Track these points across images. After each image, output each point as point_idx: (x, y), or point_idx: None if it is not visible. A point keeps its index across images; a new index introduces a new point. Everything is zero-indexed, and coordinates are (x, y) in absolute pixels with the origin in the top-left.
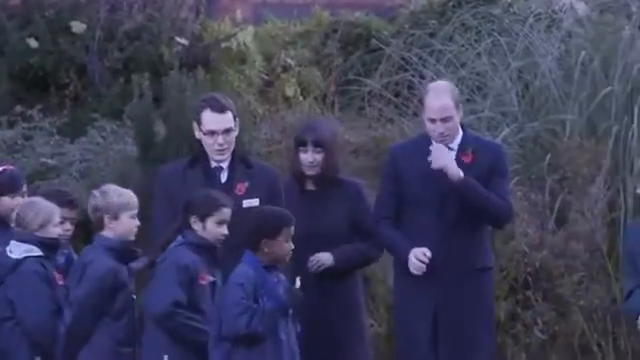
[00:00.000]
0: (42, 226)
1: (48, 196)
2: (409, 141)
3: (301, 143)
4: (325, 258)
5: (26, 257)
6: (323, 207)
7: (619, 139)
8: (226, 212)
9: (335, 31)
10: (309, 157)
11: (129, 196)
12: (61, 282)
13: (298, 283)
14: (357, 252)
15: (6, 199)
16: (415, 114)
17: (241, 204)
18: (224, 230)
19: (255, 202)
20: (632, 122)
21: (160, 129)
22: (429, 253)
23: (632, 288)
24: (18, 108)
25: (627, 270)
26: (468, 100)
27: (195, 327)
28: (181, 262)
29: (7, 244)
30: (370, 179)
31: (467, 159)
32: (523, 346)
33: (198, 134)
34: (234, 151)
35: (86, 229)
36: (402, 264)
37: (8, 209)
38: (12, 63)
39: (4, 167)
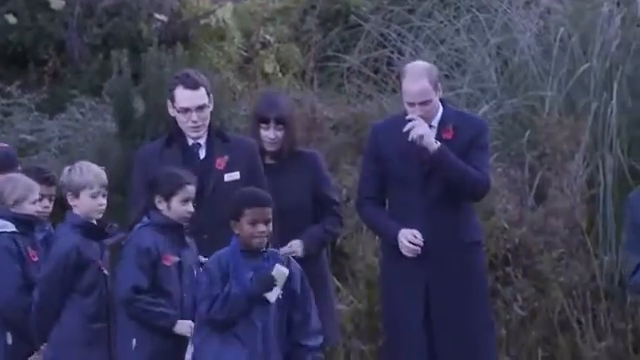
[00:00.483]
0: (17, 202)
1: (27, 173)
2: (390, 119)
3: (263, 120)
4: (296, 245)
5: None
6: (285, 180)
7: (598, 115)
8: (190, 190)
9: (314, 7)
10: (270, 134)
11: (93, 175)
12: (35, 259)
13: (202, 259)
14: (325, 233)
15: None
16: (394, 90)
17: (222, 178)
18: (189, 208)
19: (236, 175)
20: (611, 98)
21: (139, 105)
22: (419, 235)
23: (639, 262)
24: None
25: (633, 242)
26: (447, 76)
27: (157, 312)
28: (142, 245)
29: None
30: (349, 156)
31: (448, 135)
32: (503, 322)
33: (172, 111)
34: (210, 126)
35: (64, 206)
36: (390, 245)
37: None
38: None
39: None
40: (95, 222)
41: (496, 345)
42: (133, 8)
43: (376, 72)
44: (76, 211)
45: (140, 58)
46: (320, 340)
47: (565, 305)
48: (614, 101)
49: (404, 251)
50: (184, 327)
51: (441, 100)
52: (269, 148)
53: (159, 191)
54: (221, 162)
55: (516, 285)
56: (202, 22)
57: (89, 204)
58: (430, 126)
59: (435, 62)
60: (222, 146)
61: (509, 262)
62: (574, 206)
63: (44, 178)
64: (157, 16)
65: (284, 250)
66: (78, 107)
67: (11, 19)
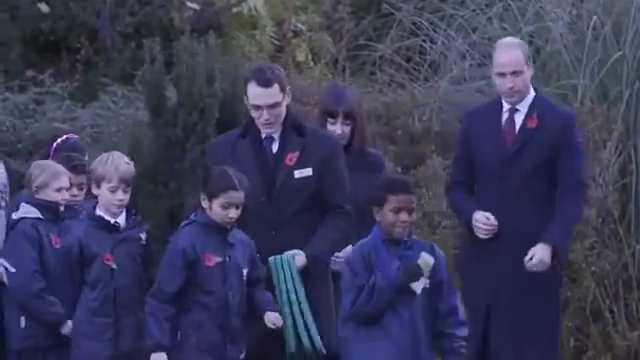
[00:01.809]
0: (40, 188)
1: (58, 160)
2: (482, 105)
3: (331, 114)
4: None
5: (22, 218)
6: (351, 181)
7: (630, 104)
8: (234, 196)
9: None
10: (338, 129)
11: (114, 168)
12: (58, 246)
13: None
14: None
15: None
16: (426, 79)
17: (292, 175)
18: (231, 214)
19: (308, 172)
20: None
21: (171, 94)
22: (492, 218)
23: None
24: (29, 73)
25: None
26: (479, 65)
27: (151, 324)
28: (178, 246)
29: None
30: (380, 145)
31: (532, 123)
32: None
33: (247, 104)
34: (287, 119)
35: None
36: (465, 239)
37: None
38: (24, 28)
39: (67, 136)
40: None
41: None
42: None
43: (408, 61)
44: (99, 202)
45: (172, 47)
46: (466, 332)
47: (597, 294)
48: None
49: (476, 232)
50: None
51: (534, 88)
52: None
53: (205, 189)
54: (292, 157)
55: None
56: (234, 10)
57: (107, 197)
58: (516, 110)
59: (467, 51)
60: (296, 140)
61: None
62: (606, 195)
63: (73, 166)
64: (189, 4)
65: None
66: (110, 96)
67: (44, 8)
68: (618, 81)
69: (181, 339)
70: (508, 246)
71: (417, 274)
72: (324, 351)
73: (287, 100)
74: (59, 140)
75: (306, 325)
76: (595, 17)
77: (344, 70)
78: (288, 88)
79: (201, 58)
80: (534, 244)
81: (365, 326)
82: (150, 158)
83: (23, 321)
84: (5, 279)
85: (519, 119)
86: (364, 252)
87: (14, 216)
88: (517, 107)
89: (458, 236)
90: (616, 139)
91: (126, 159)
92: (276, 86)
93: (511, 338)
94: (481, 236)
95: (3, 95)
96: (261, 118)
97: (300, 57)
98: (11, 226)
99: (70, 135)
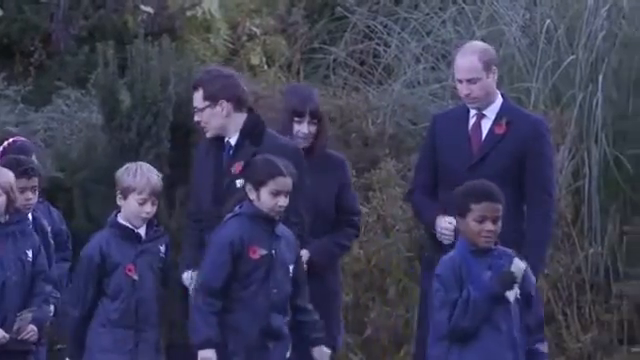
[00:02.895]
0: None
1: (7, 165)
2: (451, 109)
3: (298, 114)
4: (304, 254)
5: None
6: (311, 183)
7: (583, 107)
8: (283, 182)
9: None
10: (304, 128)
11: (146, 179)
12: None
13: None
14: (336, 246)
15: None
16: (380, 82)
17: (234, 184)
18: (280, 201)
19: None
20: (596, 90)
21: (125, 97)
22: (454, 222)
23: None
24: None
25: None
26: (433, 68)
27: (200, 320)
28: (225, 239)
29: None
30: (335, 148)
31: (499, 129)
32: None
33: None
34: (244, 127)
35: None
36: (427, 259)
37: None
38: None
39: (14, 139)
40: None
41: None
42: (119, 0)
43: (362, 64)
44: (122, 212)
45: (126, 50)
46: (547, 348)
47: (550, 297)
48: (600, 93)
49: (440, 238)
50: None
51: (502, 95)
52: (301, 144)
53: (250, 179)
54: (238, 166)
55: None
56: (188, 14)
57: (134, 208)
58: (483, 115)
59: (421, 54)
60: (247, 149)
61: None
62: (559, 198)
63: (23, 170)
64: (143, 8)
65: None
66: (64, 99)
67: None
68: (571, 84)
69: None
70: None
71: (511, 281)
72: None
73: (220, 108)
74: (5, 143)
75: None
76: (548, 20)
77: (298, 73)
78: (224, 99)
79: (155, 62)
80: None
81: (462, 342)
82: (104, 161)
83: None
84: None
85: (486, 125)
86: (455, 266)
87: None
88: (484, 112)
89: (412, 240)
90: (569, 142)
91: (155, 171)
92: (200, 90)
93: None
94: (445, 242)
95: None
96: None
97: (254, 60)
98: None
99: (17, 137)
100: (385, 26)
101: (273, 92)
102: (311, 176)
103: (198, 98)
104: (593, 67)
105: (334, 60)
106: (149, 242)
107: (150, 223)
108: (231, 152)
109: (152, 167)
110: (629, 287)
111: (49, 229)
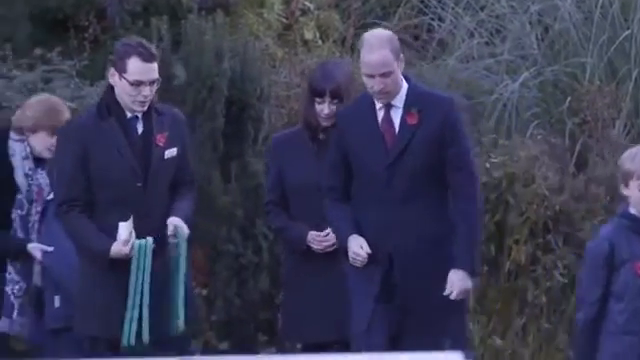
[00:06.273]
0: None
1: None
2: (353, 104)
3: (318, 93)
4: None
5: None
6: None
7: (639, 82)
8: None
9: None
10: (325, 109)
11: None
12: None
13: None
14: None
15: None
16: (434, 57)
17: (163, 155)
18: None
19: (174, 152)
20: None
21: (180, 72)
22: (365, 245)
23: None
24: (37, 51)
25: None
26: (487, 43)
27: None
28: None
29: None
30: None
31: (412, 119)
32: (543, 289)
33: (114, 81)
34: None
35: None
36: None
37: None
38: (32, 6)
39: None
40: None
41: None
42: None
43: (416, 39)
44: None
45: (180, 25)
46: None
47: None
48: None
49: (352, 262)
50: None
51: (405, 77)
52: (324, 123)
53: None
54: (161, 138)
55: (557, 252)
56: None
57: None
58: (392, 106)
59: (475, 29)
60: (159, 120)
61: (549, 229)
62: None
63: None
64: None
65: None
66: None
67: None
68: (626, 59)
69: None
70: (400, 256)
71: None
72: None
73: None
74: None
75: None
76: None
77: (352, 48)
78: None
79: (209, 37)
80: (430, 252)
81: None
82: None
83: (57, 300)
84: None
85: (396, 116)
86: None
87: (47, 197)
88: (392, 103)
89: None
90: (624, 117)
91: None
92: (156, 63)
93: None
94: (357, 265)
95: (12, 73)
96: (139, 95)
97: (308, 35)
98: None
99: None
100: (439, 1)
101: None
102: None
103: (156, 70)
104: None
105: None
106: None
107: None
108: (140, 126)
109: None
110: None
111: None
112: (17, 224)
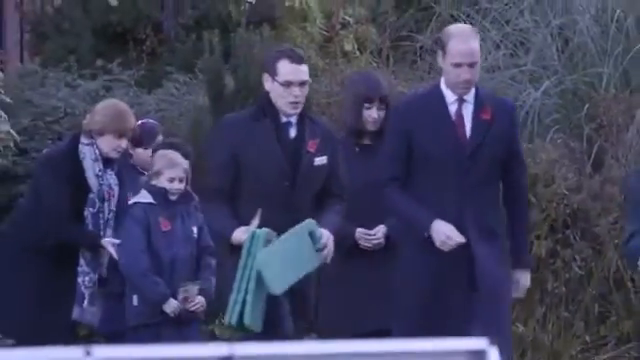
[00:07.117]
0: (155, 174)
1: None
2: (419, 95)
3: (367, 100)
4: (381, 231)
5: (135, 202)
6: (379, 160)
7: None
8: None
9: None
10: (374, 113)
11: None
12: (166, 228)
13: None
14: None
15: (140, 150)
16: None
17: (313, 162)
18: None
19: (324, 160)
20: None
21: (229, 82)
22: (457, 232)
23: (632, 232)
24: (99, 62)
25: (630, 213)
26: (512, 55)
27: None
28: None
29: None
30: None
31: (486, 115)
32: (562, 281)
33: (269, 85)
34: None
35: None
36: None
37: (141, 159)
38: (94, 20)
39: (143, 121)
40: None
41: None
42: None
43: None
44: None
45: (230, 38)
46: None
47: (620, 265)
48: None
49: (440, 245)
50: None
51: None
52: (371, 128)
53: None
54: (313, 144)
55: (575, 247)
56: (287, 4)
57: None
58: (464, 101)
59: (501, 41)
60: (312, 128)
61: (568, 226)
62: (630, 175)
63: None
64: None
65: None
66: (173, 83)
67: (113, 1)
68: None
69: None
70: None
71: None
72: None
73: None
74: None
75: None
76: (619, 11)
77: (388, 59)
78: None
79: (257, 48)
80: (489, 242)
81: None
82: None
83: (135, 299)
84: (114, 253)
85: (468, 111)
86: None
87: (130, 201)
88: (464, 98)
89: None
90: (638, 123)
91: None
92: (306, 66)
93: None
94: (445, 249)
95: (76, 82)
96: (290, 96)
97: (347, 47)
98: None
99: (146, 119)
100: (467, 15)
101: None
102: (380, 156)
103: (306, 71)
104: None
105: (420, 47)
106: None
107: None
108: (294, 131)
109: None
110: None
111: None
112: (89, 221)
